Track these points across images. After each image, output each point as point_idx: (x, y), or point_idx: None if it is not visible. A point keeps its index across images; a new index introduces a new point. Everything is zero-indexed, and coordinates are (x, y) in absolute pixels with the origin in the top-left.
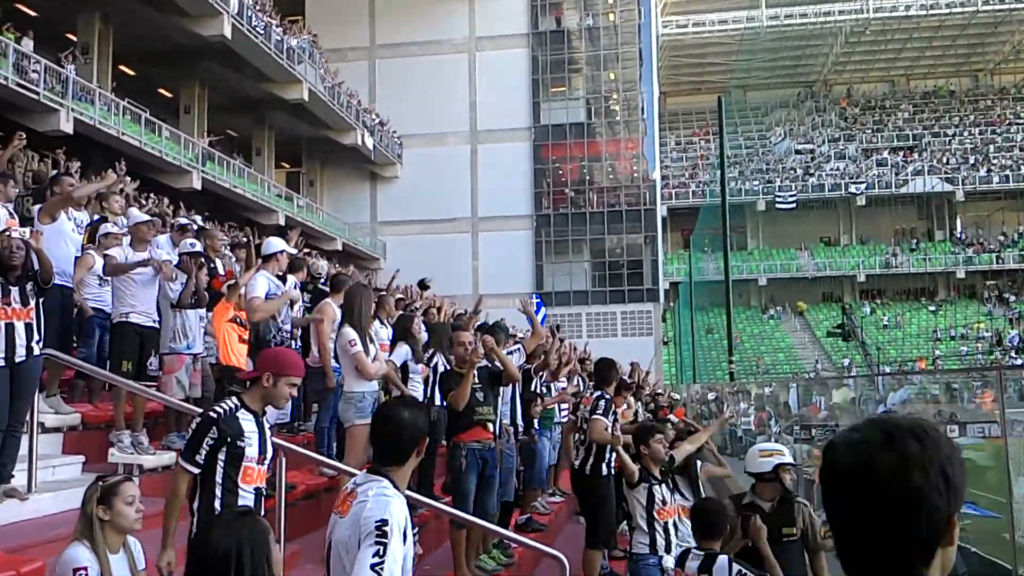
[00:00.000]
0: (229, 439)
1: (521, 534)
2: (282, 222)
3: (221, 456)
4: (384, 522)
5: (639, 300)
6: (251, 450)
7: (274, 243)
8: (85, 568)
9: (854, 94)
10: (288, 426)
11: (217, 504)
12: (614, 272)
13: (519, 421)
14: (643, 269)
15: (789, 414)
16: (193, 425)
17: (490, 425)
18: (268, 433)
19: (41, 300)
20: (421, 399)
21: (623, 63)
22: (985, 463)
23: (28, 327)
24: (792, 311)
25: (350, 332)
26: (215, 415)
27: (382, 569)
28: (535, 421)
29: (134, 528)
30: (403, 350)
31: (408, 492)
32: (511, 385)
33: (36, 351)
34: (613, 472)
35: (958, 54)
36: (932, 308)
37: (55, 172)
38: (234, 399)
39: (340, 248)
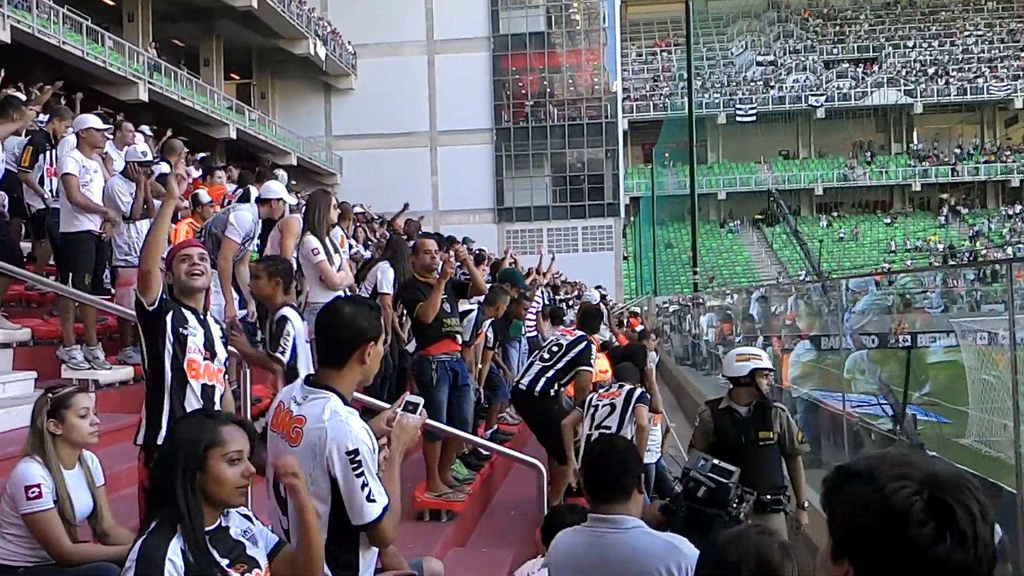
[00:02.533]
0: (174, 316)
1: None
2: (233, 135)
3: (169, 341)
4: (355, 452)
5: (600, 215)
6: (194, 340)
7: (274, 188)
8: (38, 485)
9: (816, 4)
10: (250, 341)
11: (166, 399)
12: (575, 187)
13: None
14: (604, 184)
15: (753, 325)
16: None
17: (458, 336)
18: (216, 334)
19: None
20: None
21: None
22: (953, 370)
23: None
24: (750, 225)
25: (312, 241)
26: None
27: (375, 499)
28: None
29: (89, 443)
30: (391, 276)
31: (378, 402)
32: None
33: None
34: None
35: None
36: (887, 221)
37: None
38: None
39: (295, 163)
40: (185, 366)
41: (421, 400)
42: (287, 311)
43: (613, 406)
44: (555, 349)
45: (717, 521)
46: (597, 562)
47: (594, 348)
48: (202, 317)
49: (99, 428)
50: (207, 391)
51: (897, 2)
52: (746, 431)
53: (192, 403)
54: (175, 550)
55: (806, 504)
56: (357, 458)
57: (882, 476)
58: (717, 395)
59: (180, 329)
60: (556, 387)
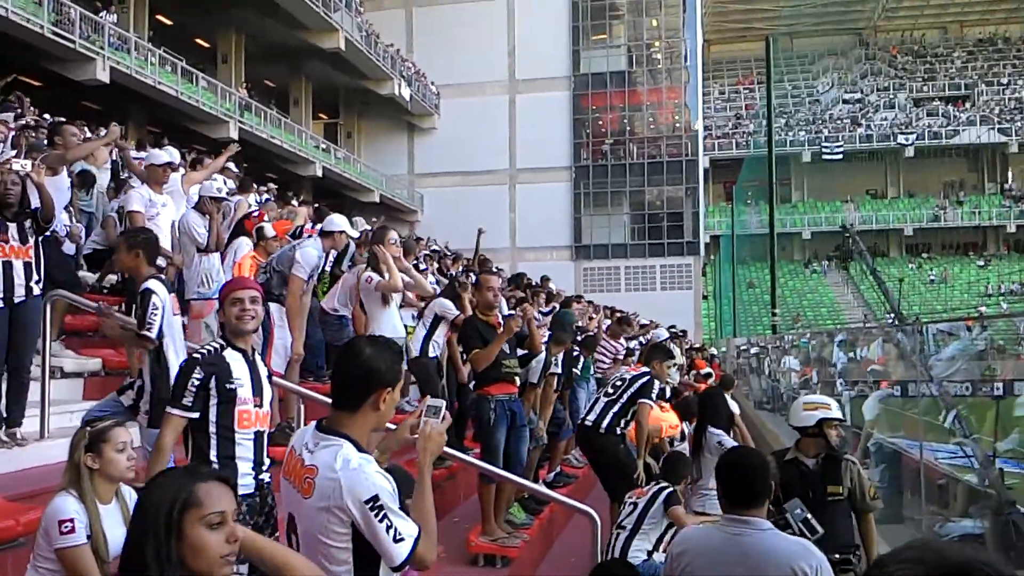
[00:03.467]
0: (216, 379)
1: (551, 488)
2: (319, 173)
3: (212, 401)
4: (374, 499)
5: (679, 253)
6: (243, 391)
7: (337, 221)
8: (71, 520)
9: (905, 41)
10: (315, 373)
11: (213, 453)
12: (654, 225)
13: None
14: (683, 222)
15: (833, 369)
16: (176, 371)
17: (517, 378)
18: (263, 373)
19: (40, 240)
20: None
21: (666, 9)
22: None
23: (27, 266)
24: (836, 265)
25: (367, 272)
26: (198, 356)
27: (402, 537)
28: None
29: (126, 477)
30: (452, 305)
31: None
32: None
33: (36, 291)
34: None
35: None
36: (980, 263)
37: (56, 120)
38: (219, 340)
39: (377, 200)
40: (236, 417)
41: (442, 403)
42: (152, 283)
43: (635, 505)
44: (619, 384)
45: None
46: (737, 559)
47: (656, 387)
48: (251, 358)
49: (135, 462)
50: (259, 438)
51: (991, 39)
52: (813, 486)
53: (243, 453)
54: None
55: None
56: (377, 504)
57: (892, 562)
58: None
59: (226, 385)
60: (622, 424)
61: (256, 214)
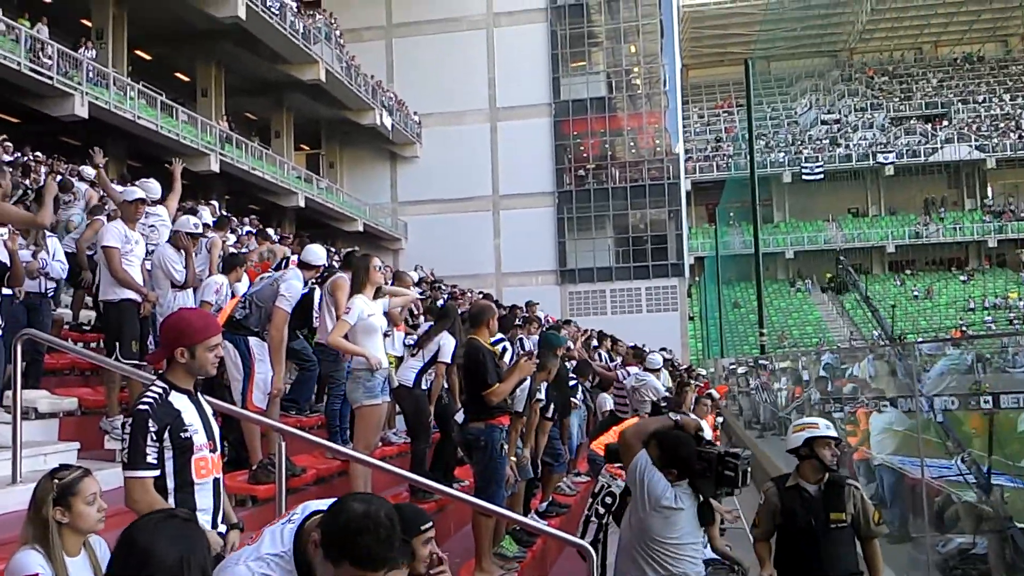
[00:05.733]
0: (170, 429)
1: (544, 518)
2: (302, 204)
3: (168, 455)
4: None
5: (664, 275)
6: (199, 437)
7: (318, 253)
8: (37, 575)
9: (881, 62)
10: (298, 407)
11: (171, 501)
12: (638, 248)
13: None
14: (667, 244)
15: (822, 388)
16: (127, 428)
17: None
18: (208, 411)
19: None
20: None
21: (644, 35)
22: None
23: None
24: (820, 284)
25: (352, 300)
26: (145, 406)
27: None
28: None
29: (97, 529)
30: (451, 346)
31: (427, 482)
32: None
33: None
34: None
35: (988, 19)
36: (963, 278)
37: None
38: (160, 383)
39: (361, 230)
40: (193, 468)
41: None
42: None
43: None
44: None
45: None
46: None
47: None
48: (196, 398)
49: (105, 512)
50: (216, 486)
51: (966, 58)
52: (816, 513)
53: (204, 504)
54: None
55: None
56: None
57: None
58: (788, 462)
59: (181, 435)
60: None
61: (255, 263)
